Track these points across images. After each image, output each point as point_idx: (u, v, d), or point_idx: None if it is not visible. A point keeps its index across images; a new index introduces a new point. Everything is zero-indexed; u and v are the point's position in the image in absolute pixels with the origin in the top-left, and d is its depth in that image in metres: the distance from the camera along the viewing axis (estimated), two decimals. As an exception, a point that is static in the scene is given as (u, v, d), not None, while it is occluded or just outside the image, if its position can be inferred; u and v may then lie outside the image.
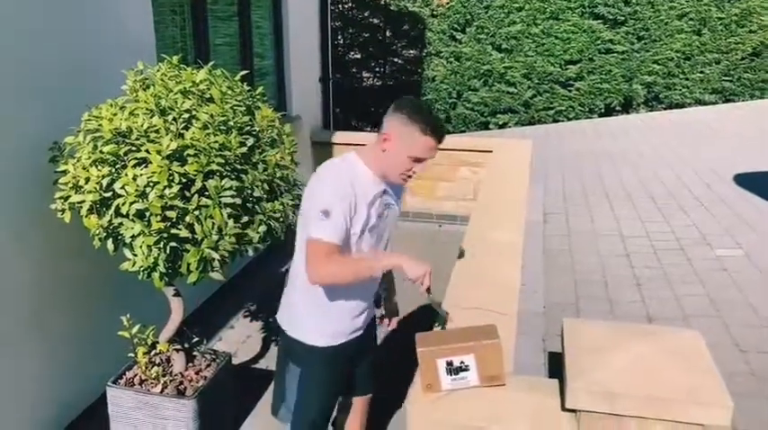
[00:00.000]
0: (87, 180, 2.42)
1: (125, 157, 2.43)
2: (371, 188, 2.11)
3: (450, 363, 1.88)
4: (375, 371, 2.58)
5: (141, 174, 2.35)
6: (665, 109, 11.85)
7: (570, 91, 11.47)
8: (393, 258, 2.07)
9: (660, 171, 7.99)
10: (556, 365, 2.10)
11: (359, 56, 11.36)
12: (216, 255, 2.42)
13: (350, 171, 2.10)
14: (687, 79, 11.73)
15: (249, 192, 2.54)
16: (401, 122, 2.04)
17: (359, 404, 2.65)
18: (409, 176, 2.11)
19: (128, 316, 2.85)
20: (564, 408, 1.80)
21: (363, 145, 2.21)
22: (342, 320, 2.27)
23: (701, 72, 11.73)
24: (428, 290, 2.05)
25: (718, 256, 5.34)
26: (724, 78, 11.83)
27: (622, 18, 11.28)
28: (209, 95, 2.66)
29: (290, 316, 2.32)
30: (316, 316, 2.24)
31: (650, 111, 11.86)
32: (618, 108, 11.74)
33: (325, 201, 2.02)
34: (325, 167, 2.15)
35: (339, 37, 11.04)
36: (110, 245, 2.53)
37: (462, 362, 1.88)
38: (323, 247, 1.99)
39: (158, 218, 2.35)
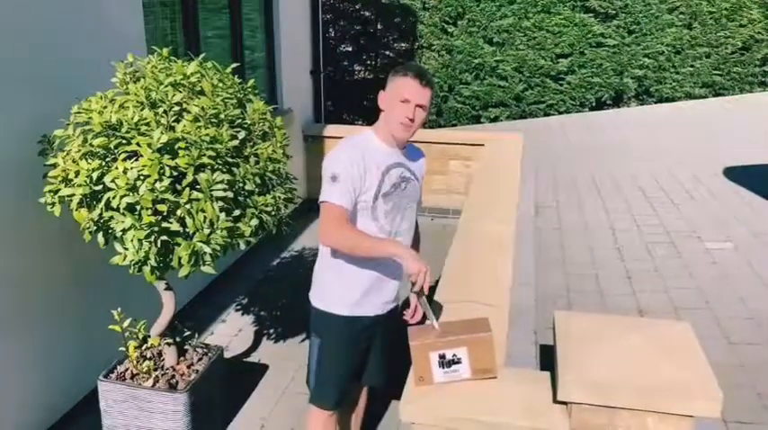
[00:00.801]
0: (77, 173, 2.40)
1: (115, 150, 2.41)
2: (385, 158, 2.25)
3: (442, 356, 1.89)
4: (388, 365, 2.59)
5: (132, 168, 2.34)
6: (655, 103, 11.89)
7: (561, 84, 11.47)
8: (396, 248, 2.12)
9: (651, 164, 8.02)
10: (547, 358, 2.11)
11: (350, 49, 11.30)
12: (207, 249, 2.41)
13: (363, 142, 2.26)
14: (677, 73, 11.77)
15: (241, 185, 2.53)
16: (388, 80, 2.25)
17: (362, 393, 2.68)
18: (408, 124, 2.20)
19: (119, 310, 2.83)
20: (555, 401, 1.81)
21: None
22: (364, 291, 2.33)
23: (692, 66, 11.77)
24: (421, 290, 2.05)
25: (708, 249, 5.38)
26: (714, 72, 11.88)
27: (613, 12, 11.30)
28: (199, 88, 2.64)
29: (316, 286, 2.43)
30: (339, 283, 2.33)
31: (641, 104, 11.90)
32: (609, 102, 11.76)
33: (334, 166, 2.16)
34: (342, 140, 2.30)
35: (330, 30, 10.98)
36: (100, 238, 2.51)
37: (455, 355, 1.88)
38: (331, 210, 2.13)
39: (149, 211, 2.34)
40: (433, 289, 2.53)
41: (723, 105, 11.51)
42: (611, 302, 4.50)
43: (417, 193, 2.42)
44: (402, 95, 2.18)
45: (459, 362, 1.89)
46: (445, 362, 1.89)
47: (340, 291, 2.34)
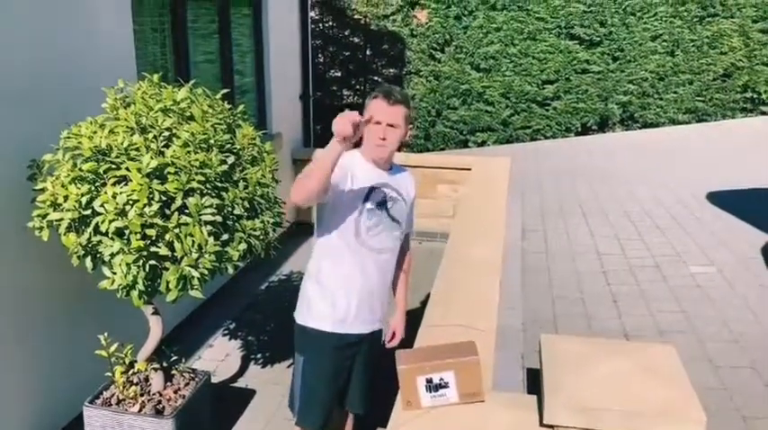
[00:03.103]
0: (66, 198, 2.40)
1: (105, 175, 2.42)
2: (371, 176, 2.35)
3: (429, 381, 1.89)
4: (370, 390, 2.59)
5: (121, 192, 2.35)
6: (639, 128, 12.06)
7: (547, 110, 11.62)
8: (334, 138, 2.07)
9: (635, 189, 8.11)
10: (534, 381, 2.12)
11: (339, 74, 11.40)
12: (195, 273, 2.41)
13: (351, 159, 2.32)
14: (661, 99, 11.96)
15: (229, 209, 2.55)
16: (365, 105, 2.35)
17: (349, 421, 2.67)
18: (381, 143, 2.29)
19: (105, 334, 2.82)
20: (542, 424, 1.82)
21: None
22: (348, 308, 2.37)
23: (675, 92, 11.97)
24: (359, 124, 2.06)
25: (692, 273, 5.44)
26: (697, 98, 12.08)
27: (598, 39, 11.50)
28: (189, 114, 2.67)
29: (300, 302, 2.47)
30: (322, 298, 2.38)
31: (626, 130, 12.06)
32: (594, 127, 11.92)
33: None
34: None
35: (320, 55, 11.09)
36: (88, 263, 2.51)
37: (442, 379, 1.89)
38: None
39: (138, 236, 2.34)
40: (421, 312, 2.55)
41: (705, 131, 11.69)
42: (598, 325, 4.52)
43: (403, 214, 2.47)
44: (373, 117, 2.26)
45: (446, 386, 1.89)
46: (432, 387, 1.89)
47: (323, 306, 2.38)
